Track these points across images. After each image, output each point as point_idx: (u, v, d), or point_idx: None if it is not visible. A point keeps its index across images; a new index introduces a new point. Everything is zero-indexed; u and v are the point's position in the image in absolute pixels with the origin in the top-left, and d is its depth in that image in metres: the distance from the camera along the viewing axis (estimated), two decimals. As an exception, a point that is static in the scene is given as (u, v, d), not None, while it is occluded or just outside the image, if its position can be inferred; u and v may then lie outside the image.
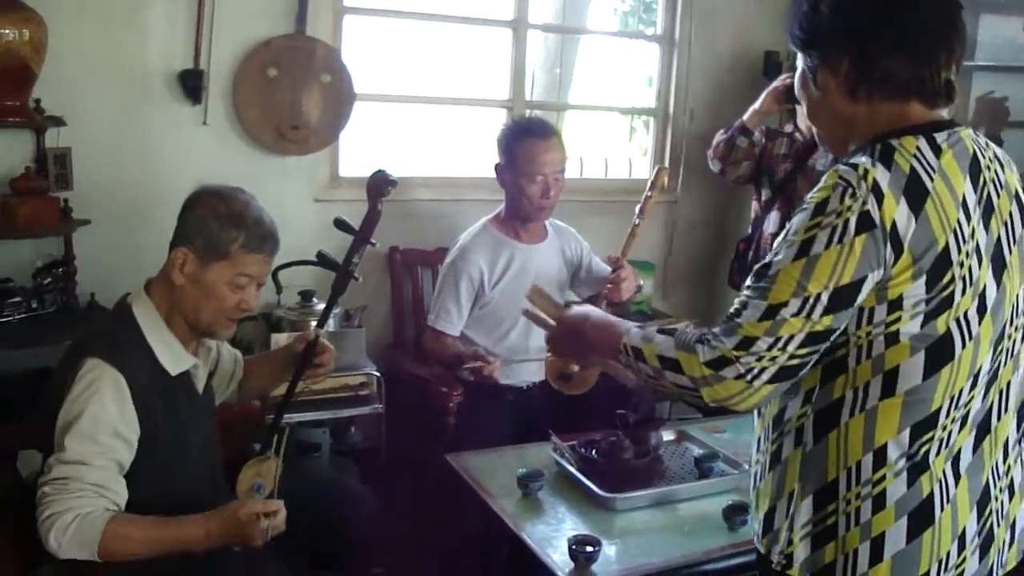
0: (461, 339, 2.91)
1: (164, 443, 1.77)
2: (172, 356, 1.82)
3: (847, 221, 1.20)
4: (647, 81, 4.13)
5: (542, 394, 2.91)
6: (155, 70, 2.98)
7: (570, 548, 1.84)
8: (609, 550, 1.91)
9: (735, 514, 2.01)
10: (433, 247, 3.40)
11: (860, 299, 1.23)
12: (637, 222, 2.84)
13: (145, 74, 2.98)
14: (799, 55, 1.41)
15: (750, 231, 3.55)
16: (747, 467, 2.28)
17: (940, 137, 1.29)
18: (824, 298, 1.21)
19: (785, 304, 1.23)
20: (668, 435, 2.52)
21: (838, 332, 1.25)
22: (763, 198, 3.48)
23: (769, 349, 1.23)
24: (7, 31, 2.52)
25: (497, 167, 2.93)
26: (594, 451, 2.27)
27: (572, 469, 2.22)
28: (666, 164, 3.98)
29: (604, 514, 2.08)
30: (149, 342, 1.79)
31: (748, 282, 1.30)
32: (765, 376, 1.24)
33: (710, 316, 3.95)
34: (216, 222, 1.78)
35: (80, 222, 2.82)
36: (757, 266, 1.30)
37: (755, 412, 1.45)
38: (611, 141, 4.45)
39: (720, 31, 3.95)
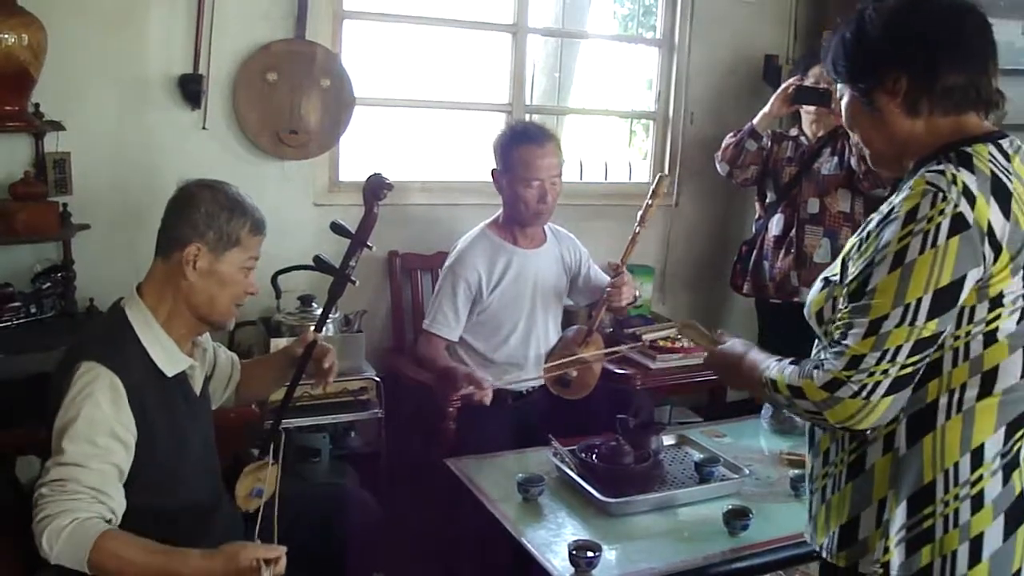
0: (460, 345, 2.91)
1: (162, 445, 1.76)
2: (168, 357, 1.81)
3: (939, 225, 1.24)
4: (647, 85, 4.13)
5: (542, 399, 2.91)
6: (154, 75, 2.98)
7: (570, 553, 1.84)
8: (609, 555, 1.91)
9: (735, 519, 2.01)
10: (432, 251, 3.40)
11: (962, 298, 1.26)
12: (638, 230, 2.84)
13: (144, 79, 2.97)
14: (843, 85, 1.46)
15: (753, 232, 3.55)
16: (747, 471, 2.28)
17: (1004, 143, 1.35)
18: (925, 303, 1.25)
19: (886, 316, 1.26)
20: (668, 439, 2.52)
21: (944, 335, 1.28)
22: (767, 200, 3.48)
23: (878, 363, 1.27)
24: (6, 35, 2.52)
25: (494, 172, 2.93)
26: (594, 456, 2.27)
27: (572, 474, 2.22)
28: (666, 167, 3.98)
29: (604, 519, 2.08)
30: (144, 344, 1.78)
31: (846, 303, 1.34)
32: (880, 390, 1.27)
33: (711, 319, 3.95)
34: (224, 212, 1.80)
35: (79, 227, 2.81)
36: (853, 285, 1.33)
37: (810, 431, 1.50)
38: (611, 145, 4.44)
39: (720, 35, 3.95)
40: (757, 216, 3.55)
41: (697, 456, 2.41)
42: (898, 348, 1.26)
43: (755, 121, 3.35)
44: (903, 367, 1.26)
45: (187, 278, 1.79)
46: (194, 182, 1.86)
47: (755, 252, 3.51)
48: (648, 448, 2.31)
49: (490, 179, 2.97)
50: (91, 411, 1.64)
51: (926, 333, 1.26)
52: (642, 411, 2.84)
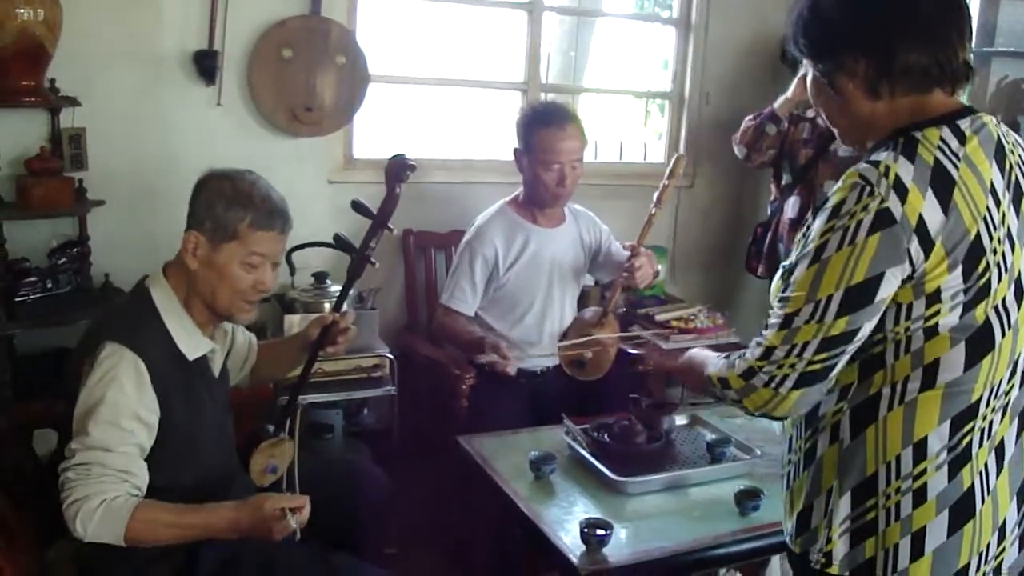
0: (476, 321, 2.91)
1: (180, 428, 1.78)
2: (190, 341, 1.82)
3: (860, 221, 1.21)
4: (663, 65, 4.10)
5: (555, 378, 2.91)
6: (170, 50, 2.98)
7: (582, 531, 1.84)
8: (620, 533, 1.91)
9: (746, 499, 2.01)
10: (447, 230, 3.40)
11: (880, 296, 1.22)
12: (654, 211, 2.83)
13: (160, 54, 2.98)
14: (806, 63, 1.39)
15: (769, 214, 3.53)
16: (758, 452, 2.28)
17: (964, 124, 1.28)
18: (836, 300, 1.23)
19: (799, 312, 1.26)
20: (681, 420, 2.51)
21: (862, 333, 1.25)
22: (783, 182, 3.46)
23: (786, 356, 1.27)
24: (22, 11, 2.52)
25: (515, 152, 2.92)
26: (606, 435, 2.27)
27: (584, 453, 2.22)
28: (681, 148, 3.96)
29: (616, 498, 2.09)
30: (167, 326, 1.79)
31: (780, 290, 1.33)
32: (788, 383, 1.28)
33: (724, 301, 3.94)
34: (223, 203, 1.77)
35: (95, 202, 2.83)
36: (785, 274, 1.32)
37: None
38: (626, 125, 4.42)
39: (737, 15, 3.92)
40: (773, 198, 3.53)
41: (709, 436, 2.40)
42: (805, 344, 1.25)
43: (776, 105, 3.32)
44: (810, 363, 1.26)
45: (189, 265, 1.79)
46: (215, 170, 1.85)
47: (770, 234, 3.49)
48: (660, 428, 2.31)
49: (505, 157, 2.96)
50: (115, 395, 1.66)
51: (834, 331, 1.24)
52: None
